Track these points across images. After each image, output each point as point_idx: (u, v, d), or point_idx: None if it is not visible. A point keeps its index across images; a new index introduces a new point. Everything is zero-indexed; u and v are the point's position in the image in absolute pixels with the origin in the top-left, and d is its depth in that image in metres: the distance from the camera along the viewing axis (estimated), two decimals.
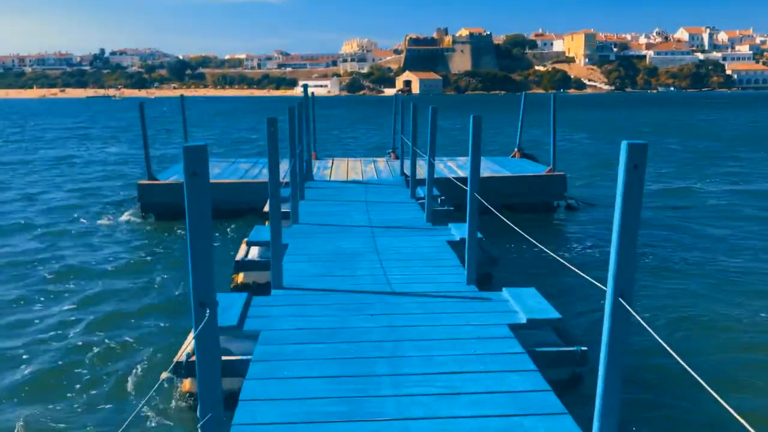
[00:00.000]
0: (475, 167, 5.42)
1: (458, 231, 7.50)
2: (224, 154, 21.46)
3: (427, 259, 6.43)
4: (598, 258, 9.29)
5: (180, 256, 9.63)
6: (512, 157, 14.38)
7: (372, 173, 12.54)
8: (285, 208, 8.56)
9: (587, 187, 15.15)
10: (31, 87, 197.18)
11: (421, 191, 10.22)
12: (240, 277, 7.20)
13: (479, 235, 5.84)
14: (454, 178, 9.60)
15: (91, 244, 10.26)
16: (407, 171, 11.97)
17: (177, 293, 7.75)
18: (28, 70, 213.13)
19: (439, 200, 9.86)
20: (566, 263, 4.02)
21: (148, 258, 9.50)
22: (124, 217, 11.92)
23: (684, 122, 44.64)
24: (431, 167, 8.09)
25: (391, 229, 7.84)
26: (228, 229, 10.77)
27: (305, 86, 11.27)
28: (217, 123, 49.58)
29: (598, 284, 2.67)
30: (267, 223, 10.23)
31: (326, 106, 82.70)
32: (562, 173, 11.75)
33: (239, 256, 7.15)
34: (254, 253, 7.13)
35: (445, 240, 7.19)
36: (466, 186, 7.02)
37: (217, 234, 10.57)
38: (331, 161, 14.30)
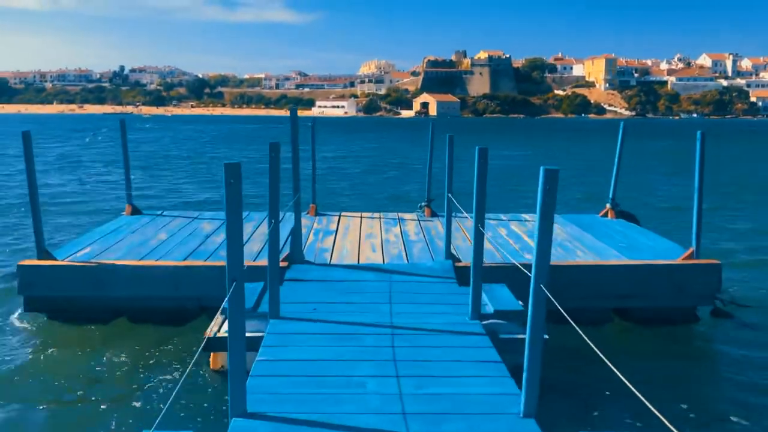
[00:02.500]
0: None
1: None
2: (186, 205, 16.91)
3: None
4: None
5: (91, 388, 5.34)
6: (603, 216, 9.87)
7: (398, 246, 8.09)
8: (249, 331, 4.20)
9: (733, 274, 9.27)
10: (50, 102, 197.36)
11: (488, 300, 5.80)
12: None
13: None
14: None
15: None
16: (456, 250, 7.53)
17: None
18: (48, 85, 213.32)
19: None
20: None
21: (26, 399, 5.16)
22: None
23: None
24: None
25: None
26: (149, 365, 6.31)
27: (293, 108, 6.89)
28: (205, 150, 45.63)
29: None
30: (211, 363, 6.01)
31: (338, 130, 78.68)
32: (715, 261, 7.14)
33: None
34: None
35: None
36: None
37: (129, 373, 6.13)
38: (336, 219, 9.87)
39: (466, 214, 6.66)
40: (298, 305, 5.77)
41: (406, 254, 7.74)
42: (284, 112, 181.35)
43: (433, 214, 10.07)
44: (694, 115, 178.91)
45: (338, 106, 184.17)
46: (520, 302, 5.96)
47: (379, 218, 9.98)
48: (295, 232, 7.08)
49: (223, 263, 7.25)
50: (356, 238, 8.57)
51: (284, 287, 6.14)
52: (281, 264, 6.90)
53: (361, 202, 17.96)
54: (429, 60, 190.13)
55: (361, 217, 10.09)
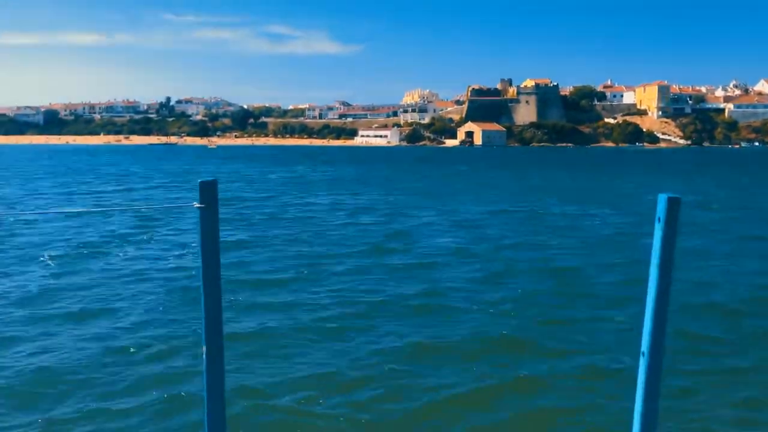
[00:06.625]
0: None
1: None
2: None
3: None
4: None
5: None
6: None
7: None
8: None
9: None
10: (98, 133, 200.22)
11: None
12: None
13: None
14: None
15: None
16: None
17: None
18: (96, 117, 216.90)
19: None
20: None
21: None
22: None
23: None
24: None
25: None
26: None
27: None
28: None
29: None
30: None
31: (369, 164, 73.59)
32: None
33: None
34: None
35: None
36: None
37: None
38: None
39: None
40: None
41: None
42: (326, 142, 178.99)
43: None
44: (756, 143, 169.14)
45: (381, 136, 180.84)
46: None
47: None
48: None
49: None
50: None
51: None
52: None
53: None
54: (473, 89, 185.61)
55: None
